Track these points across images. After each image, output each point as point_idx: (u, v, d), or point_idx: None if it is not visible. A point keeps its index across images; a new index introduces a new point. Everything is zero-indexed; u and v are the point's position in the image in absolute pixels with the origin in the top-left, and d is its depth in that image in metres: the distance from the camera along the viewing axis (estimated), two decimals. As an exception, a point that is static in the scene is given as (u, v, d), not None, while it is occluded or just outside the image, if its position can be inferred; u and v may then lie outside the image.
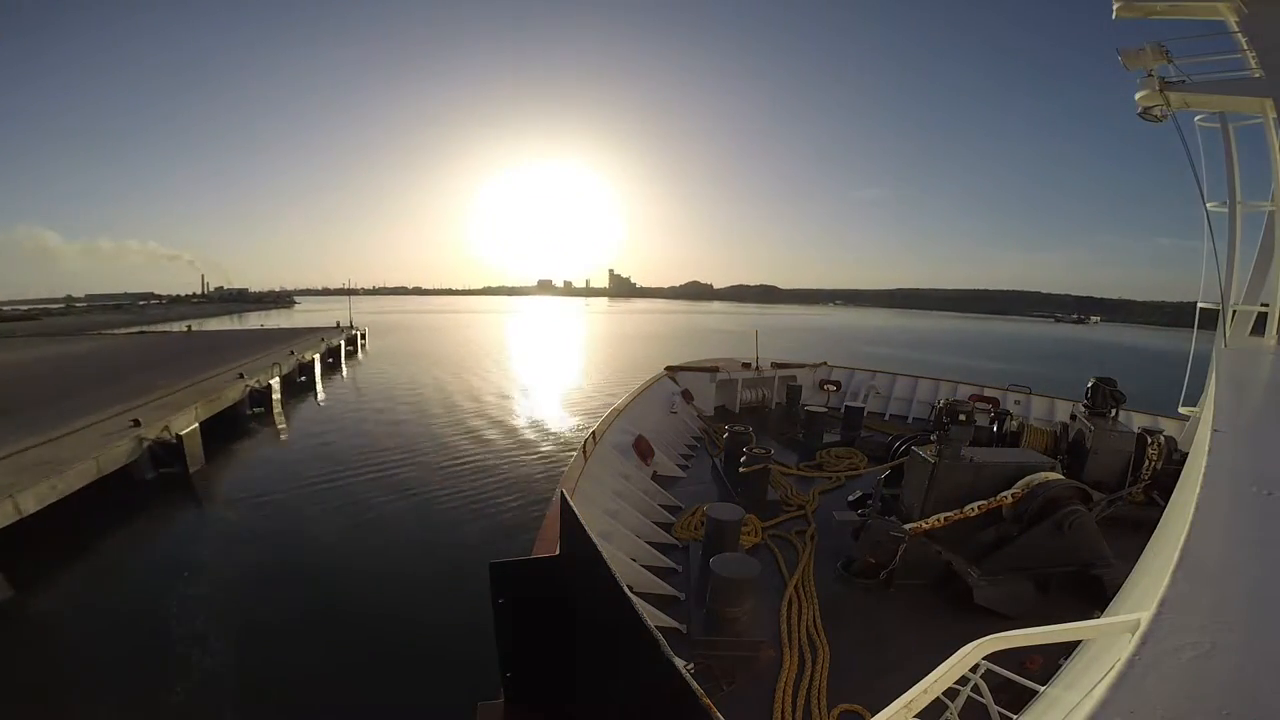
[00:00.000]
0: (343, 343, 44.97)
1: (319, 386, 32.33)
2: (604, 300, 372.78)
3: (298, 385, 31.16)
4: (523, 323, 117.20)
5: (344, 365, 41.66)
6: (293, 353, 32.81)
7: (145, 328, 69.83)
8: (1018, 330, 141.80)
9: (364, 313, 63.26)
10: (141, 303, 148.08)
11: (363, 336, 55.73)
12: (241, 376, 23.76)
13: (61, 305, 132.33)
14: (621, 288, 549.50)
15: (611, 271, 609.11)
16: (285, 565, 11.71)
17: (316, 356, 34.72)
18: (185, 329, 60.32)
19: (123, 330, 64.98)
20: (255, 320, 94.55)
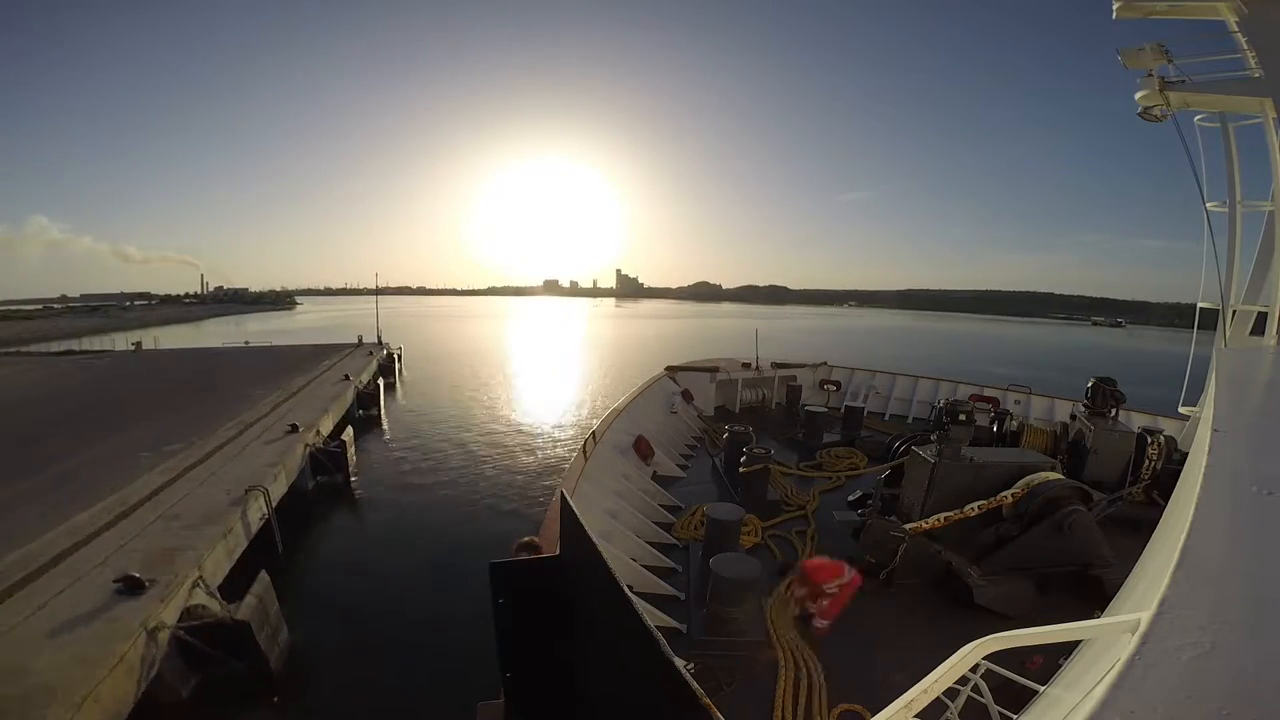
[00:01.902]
0: (380, 382, 29.29)
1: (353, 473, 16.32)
2: (611, 301, 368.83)
3: (304, 503, 14.02)
4: (543, 329, 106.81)
5: (384, 417, 25.02)
6: (304, 431, 15.48)
7: (77, 343, 50.63)
8: (1061, 337, 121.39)
9: (370, 314, 46.83)
10: (126, 304, 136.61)
11: (398, 359, 38.57)
12: (131, 590, 7.41)
13: (39, 307, 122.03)
14: (629, 288, 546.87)
15: (619, 271, 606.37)
16: None
17: (348, 436, 16.81)
18: (133, 347, 39.87)
19: (46, 348, 45.41)
20: (254, 325, 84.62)
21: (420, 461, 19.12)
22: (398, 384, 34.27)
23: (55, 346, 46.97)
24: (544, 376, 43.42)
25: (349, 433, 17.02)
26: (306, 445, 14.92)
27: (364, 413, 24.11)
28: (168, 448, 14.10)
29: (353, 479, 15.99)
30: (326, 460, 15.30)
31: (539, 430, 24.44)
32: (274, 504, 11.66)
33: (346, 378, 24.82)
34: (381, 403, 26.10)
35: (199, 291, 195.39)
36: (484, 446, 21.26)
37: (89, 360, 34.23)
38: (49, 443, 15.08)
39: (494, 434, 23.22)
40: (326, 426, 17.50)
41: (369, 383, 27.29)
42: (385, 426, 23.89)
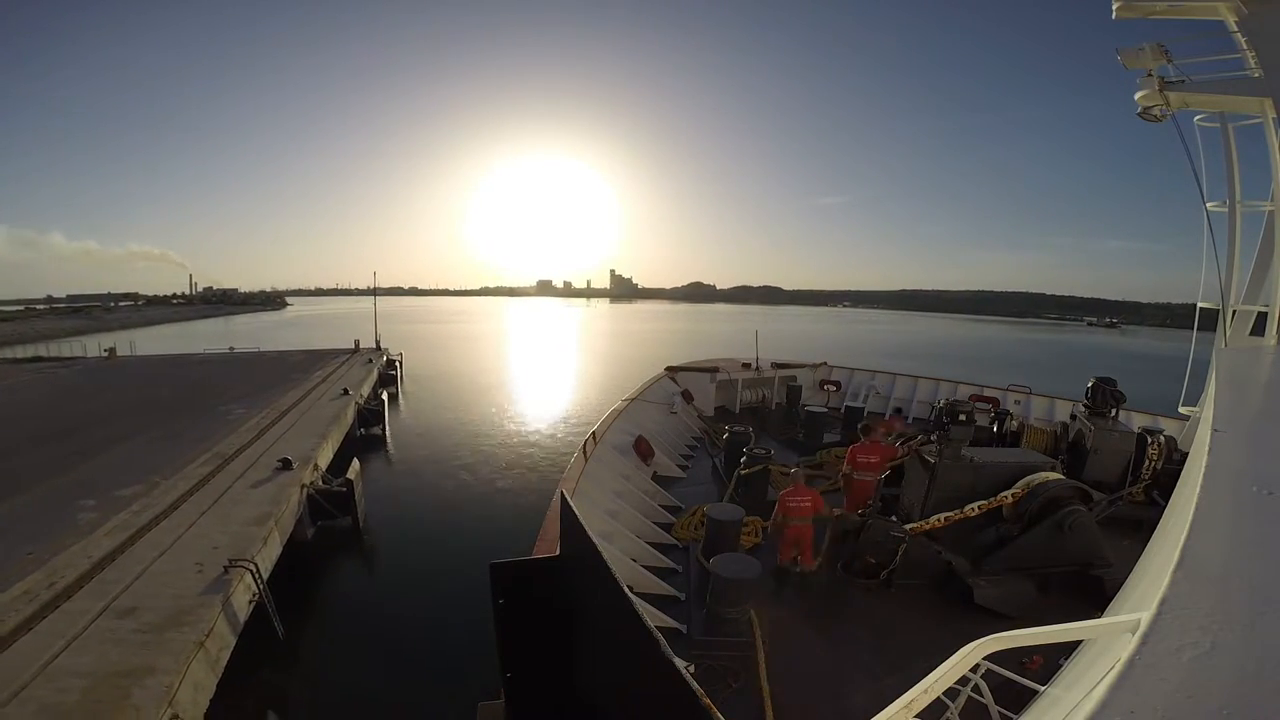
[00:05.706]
0: (384, 396, 25.36)
1: None
2: (605, 302, 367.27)
3: (305, 559, 12.10)
4: (541, 331, 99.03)
5: (388, 436, 22.31)
6: (299, 468, 12.82)
7: (46, 348, 43.56)
8: (1062, 339, 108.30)
9: (356, 311, 40.85)
10: (111, 305, 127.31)
11: (399, 366, 34.71)
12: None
13: (20, 307, 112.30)
14: (623, 288, 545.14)
15: (613, 272, 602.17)
16: None
17: (355, 473, 13.62)
18: (105, 354, 35.00)
19: (21, 352, 40.78)
20: (242, 323, 79.67)
21: (435, 488, 16.85)
22: (400, 395, 30.96)
23: (28, 351, 42.11)
24: (554, 382, 40.63)
25: (355, 468, 13.85)
26: (303, 487, 12.09)
27: (366, 431, 21.64)
28: (120, 492, 11.23)
29: (361, 522, 13.14)
30: (329, 503, 12.67)
31: (558, 441, 22.15)
32: (266, 577, 8.77)
33: (346, 392, 22.01)
34: (386, 420, 23.28)
35: (188, 291, 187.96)
36: (502, 465, 19.09)
37: (54, 368, 29.77)
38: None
39: (511, 450, 21.06)
40: (326, 457, 14.85)
41: (371, 397, 24.23)
42: (391, 448, 21.25)
